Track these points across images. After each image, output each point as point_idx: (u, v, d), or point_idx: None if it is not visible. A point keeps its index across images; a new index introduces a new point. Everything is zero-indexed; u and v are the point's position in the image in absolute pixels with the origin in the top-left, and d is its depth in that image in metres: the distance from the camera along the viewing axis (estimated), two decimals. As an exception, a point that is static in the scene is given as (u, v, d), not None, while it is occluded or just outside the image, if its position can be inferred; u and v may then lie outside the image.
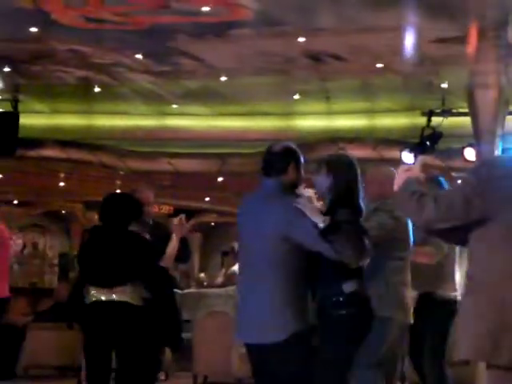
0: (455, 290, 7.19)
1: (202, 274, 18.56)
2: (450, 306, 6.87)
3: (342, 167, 5.25)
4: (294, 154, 5.19)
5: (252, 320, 4.97)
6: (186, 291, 14.04)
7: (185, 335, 12.07)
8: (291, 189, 5.14)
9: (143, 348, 6.05)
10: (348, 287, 5.05)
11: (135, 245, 6.04)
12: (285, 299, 4.87)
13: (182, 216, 6.66)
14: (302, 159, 5.23)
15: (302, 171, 5.21)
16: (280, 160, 5.15)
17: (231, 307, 12.18)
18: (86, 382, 6.09)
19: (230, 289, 13.31)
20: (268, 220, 4.96)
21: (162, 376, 10.88)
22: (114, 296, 5.96)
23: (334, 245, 4.78)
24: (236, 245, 14.53)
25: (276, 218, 4.94)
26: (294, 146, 5.29)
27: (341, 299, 5.02)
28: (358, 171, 5.25)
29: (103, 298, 5.96)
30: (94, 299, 5.95)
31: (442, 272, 7.12)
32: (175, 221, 6.62)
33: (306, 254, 4.94)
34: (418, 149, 12.50)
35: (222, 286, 14.30)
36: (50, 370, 11.52)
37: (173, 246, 6.50)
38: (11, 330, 13.25)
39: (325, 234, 4.81)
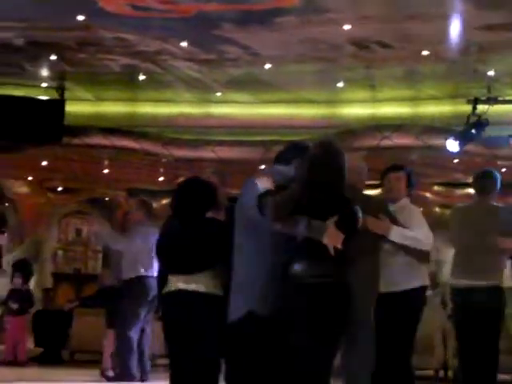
0: None
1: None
2: None
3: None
4: (302, 150, 5.22)
5: None
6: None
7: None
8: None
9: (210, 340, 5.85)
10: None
11: (215, 230, 5.91)
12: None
13: None
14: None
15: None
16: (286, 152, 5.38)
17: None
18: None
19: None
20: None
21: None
22: (192, 285, 5.88)
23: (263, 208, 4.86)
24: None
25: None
26: (307, 144, 5.34)
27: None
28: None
29: (181, 287, 5.87)
30: (172, 288, 5.88)
31: None
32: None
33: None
34: (464, 137, 12.44)
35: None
36: (95, 355, 11.61)
37: None
38: (58, 316, 13.43)
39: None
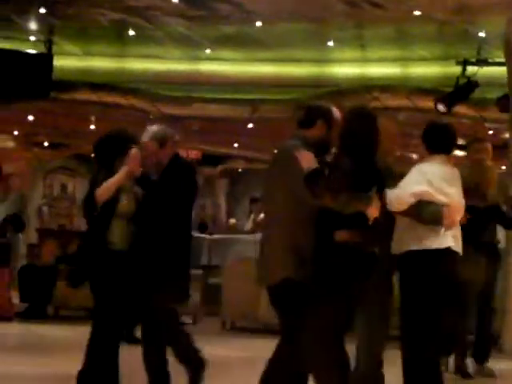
0: None
1: (233, 220, 18.62)
2: None
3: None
4: (325, 112, 5.19)
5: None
6: (215, 236, 14.13)
7: (214, 280, 12.23)
8: (317, 146, 5.13)
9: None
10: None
11: None
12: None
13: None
14: (336, 120, 5.18)
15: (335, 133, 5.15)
16: (308, 114, 5.25)
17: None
18: None
19: (259, 235, 13.35)
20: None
21: (189, 320, 11.00)
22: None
23: (315, 189, 4.82)
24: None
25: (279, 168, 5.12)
26: (329, 106, 5.27)
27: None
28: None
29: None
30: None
31: None
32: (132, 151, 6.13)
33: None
34: (452, 98, 12.46)
35: (251, 232, 14.37)
36: (80, 311, 11.66)
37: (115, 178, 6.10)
38: (43, 272, 13.45)
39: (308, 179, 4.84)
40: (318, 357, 4.97)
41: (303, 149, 4.99)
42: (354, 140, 4.98)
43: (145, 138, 6.22)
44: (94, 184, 6.12)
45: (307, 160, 4.97)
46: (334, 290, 4.92)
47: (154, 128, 6.51)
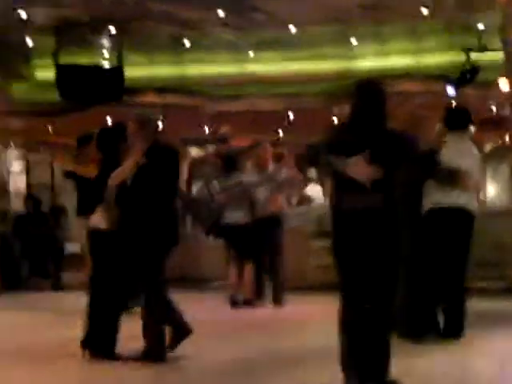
0: None
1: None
2: None
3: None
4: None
5: None
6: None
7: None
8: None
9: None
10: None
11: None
12: None
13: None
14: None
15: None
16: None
17: (305, 223, 12.33)
18: None
19: (303, 208, 13.42)
20: None
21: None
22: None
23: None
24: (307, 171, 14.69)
25: None
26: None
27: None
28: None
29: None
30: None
31: None
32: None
33: None
34: (459, 82, 12.51)
35: (297, 205, 14.46)
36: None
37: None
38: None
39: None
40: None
41: None
42: (353, 111, 4.85)
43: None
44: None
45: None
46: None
47: (136, 111, 6.45)
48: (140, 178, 5.92)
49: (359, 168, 4.66)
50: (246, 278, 9.80)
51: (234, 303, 9.80)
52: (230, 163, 10.33)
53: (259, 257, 9.91)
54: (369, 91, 4.87)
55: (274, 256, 9.91)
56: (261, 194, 9.93)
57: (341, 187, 4.83)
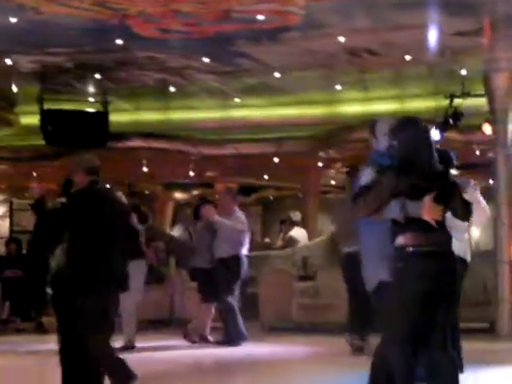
0: None
1: (267, 239, 18.72)
2: None
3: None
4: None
5: None
6: (252, 253, 14.22)
7: (251, 290, 12.31)
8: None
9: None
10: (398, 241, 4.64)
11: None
12: None
13: None
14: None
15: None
16: None
17: (289, 265, 12.40)
18: None
19: (288, 250, 13.45)
20: None
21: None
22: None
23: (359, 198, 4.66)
24: (291, 214, 14.70)
25: None
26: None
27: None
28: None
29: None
30: None
31: None
32: None
33: None
34: (443, 126, 12.54)
35: (282, 248, 14.46)
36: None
37: None
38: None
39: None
40: None
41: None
42: (399, 151, 4.69)
43: None
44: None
45: (364, 176, 4.96)
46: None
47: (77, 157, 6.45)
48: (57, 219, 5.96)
49: (430, 209, 4.53)
50: (202, 316, 10.22)
51: (186, 335, 10.18)
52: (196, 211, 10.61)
53: (219, 297, 10.11)
54: (416, 129, 4.73)
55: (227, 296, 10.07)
56: (222, 237, 9.98)
57: (403, 229, 4.60)
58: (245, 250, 10.09)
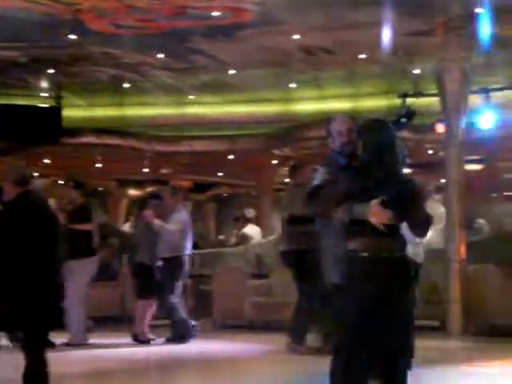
0: None
1: (222, 236, 18.69)
2: None
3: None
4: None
5: None
6: (205, 251, 14.20)
7: (204, 287, 12.27)
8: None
9: None
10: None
11: None
12: None
13: None
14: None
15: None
16: None
17: (243, 262, 12.38)
18: None
19: (241, 247, 13.43)
20: None
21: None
22: None
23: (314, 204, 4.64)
24: (245, 211, 14.69)
25: None
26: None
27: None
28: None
29: None
30: None
31: None
32: None
33: None
34: (396, 126, 12.59)
35: (235, 245, 14.44)
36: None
37: None
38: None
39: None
40: None
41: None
42: (361, 152, 4.54)
43: None
44: None
45: (319, 174, 4.92)
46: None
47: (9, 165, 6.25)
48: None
49: (377, 212, 4.38)
50: (137, 315, 10.07)
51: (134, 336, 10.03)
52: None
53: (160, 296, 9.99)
54: (383, 132, 4.56)
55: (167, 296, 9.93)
56: (162, 240, 9.92)
57: (354, 232, 4.48)
58: (187, 250, 9.97)
